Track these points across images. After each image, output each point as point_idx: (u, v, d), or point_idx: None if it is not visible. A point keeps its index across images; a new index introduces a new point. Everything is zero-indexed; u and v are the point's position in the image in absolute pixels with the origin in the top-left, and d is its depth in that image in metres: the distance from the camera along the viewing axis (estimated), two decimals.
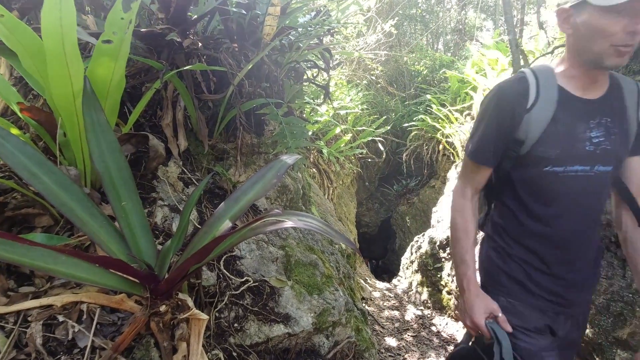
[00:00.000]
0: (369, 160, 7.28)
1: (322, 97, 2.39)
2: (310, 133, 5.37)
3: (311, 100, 2.84)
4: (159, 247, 1.27)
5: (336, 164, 5.48)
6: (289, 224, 0.89)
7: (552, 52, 3.41)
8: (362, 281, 4.98)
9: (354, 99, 6.53)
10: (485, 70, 5.51)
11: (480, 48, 6.70)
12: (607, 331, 2.41)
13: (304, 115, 4.88)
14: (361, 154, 6.29)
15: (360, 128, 6.30)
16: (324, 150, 5.15)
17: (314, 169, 5.32)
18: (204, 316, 1.21)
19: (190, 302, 1.22)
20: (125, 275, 1.05)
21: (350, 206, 6.48)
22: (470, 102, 5.87)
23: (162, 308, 1.10)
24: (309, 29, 1.83)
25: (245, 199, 1.23)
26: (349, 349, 1.88)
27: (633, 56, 2.77)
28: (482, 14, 10.06)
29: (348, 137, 5.69)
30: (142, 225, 1.10)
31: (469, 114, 5.81)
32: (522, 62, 3.69)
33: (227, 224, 1.18)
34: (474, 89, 5.74)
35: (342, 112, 6.01)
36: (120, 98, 1.28)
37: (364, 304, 4.47)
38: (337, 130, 5.47)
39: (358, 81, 7.31)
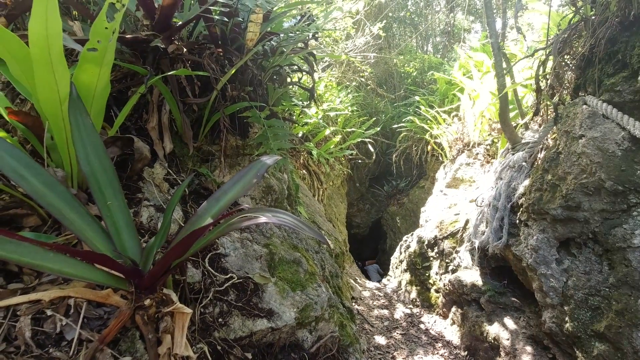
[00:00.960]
0: (359, 161, 7.37)
1: (309, 99, 2.44)
2: (300, 135, 5.43)
3: (300, 103, 2.90)
4: (145, 245, 1.32)
5: (326, 165, 5.55)
6: (262, 219, 0.95)
7: (532, 55, 3.51)
8: (352, 281, 5.05)
9: (343, 101, 6.60)
10: (471, 72, 5.63)
11: (468, 50, 6.82)
12: (586, 324, 2.50)
13: (294, 118, 4.95)
14: (351, 155, 6.37)
15: (350, 129, 6.38)
16: (314, 152, 5.21)
17: (304, 171, 5.37)
18: (188, 310, 1.27)
19: (174, 297, 1.27)
20: (111, 271, 1.11)
21: (340, 207, 6.55)
22: (458, 103, 5.97)
23: (147, 302, 1.16)
24: (290, 34, 1.89)
25: (226, 198, 1.29)
26: (333, 343, 1.95)
27: (607, 59, 2.87)
28: (471, 16, 10.21)
29: (338, 138, 5.76)
30: (127, 224, 1.16)
31: (456, 115, 5.91)
32: (504, 65, 3.79)
33: (208, 222, 1.24)
34: (461, 90, 5.85)
35: (332, 114, 6.08)
36: (106, 102, 1.33)
37: (353, 303, 4.54)
38: (327, 131, 5.53)
39: (348, 83, 7.40)
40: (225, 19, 1.67)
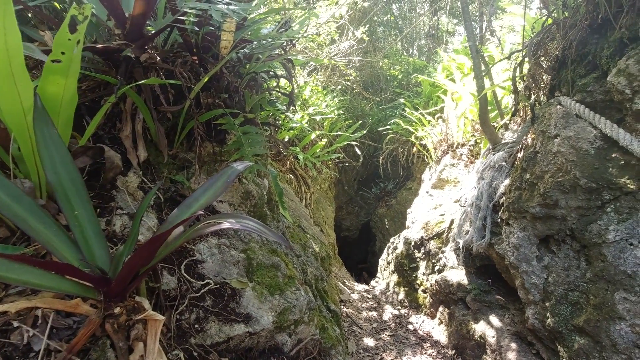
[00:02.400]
0: (347, 164, 7.40)
1: (289, 104, 2.47)
2: (286, 139, 5.45)
3: (283, 108, 2.93)
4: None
5: (313, 169, 5.57)
6: (226, 225, 0.97)
7: (509, 57, 3.59)
8: (340, 284, 5.06)
9: (329, 105, 6.64)
10: (454, 74, 5.71)
11: (450, 53, 6.92)
12: (566, 319, 2.54)
13: (279, 122, 4.97)
14: (338, 158, 6.40)
15: (336, 133, 6.41)
16: (300, 156, 5.23)
17: (290, 175, 5.39)
18: (160, 317, 1.28)
19: (146, 304, 1.28)
20: (79, 280, 1.11)
21: (328, 210, 6.58)
22: (442, 105, 6.05)
23: (117, 310, 1.17)
24: (263, 42, 1.92)
25: (197, 204, 1.31)
26: (313, 346, 1.96)
27: (578, 60, 2.94)
28: (454, 19, 10.36)
29: (324, 142, 5.79)
30: (96, 233, 1.16)
31: (440, 117, 5.99)
32: (482, 67, 3.87)
33: (179, 229, 1.25)
34: (445, 92, 5.93)
35: (318, 118, 6.11)
36: (79, 112, 1.34)
37: (342, 306, 4.55)
38: (313, 135, 5.56)
39: (334, 87, 7.45)
40: (196, 28, 1.69)
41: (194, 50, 1.90)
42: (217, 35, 1.91)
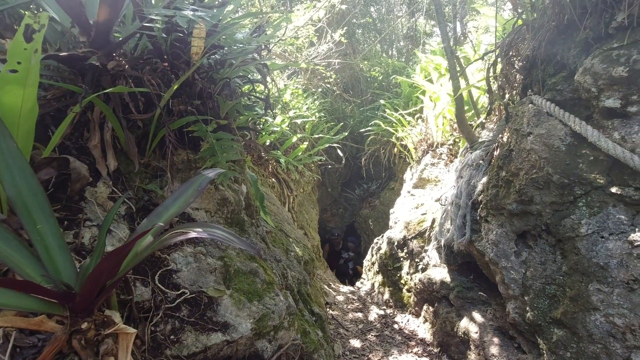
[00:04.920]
0: (330, 166, 7.42)
1: (265, 108, 2.46)
2: (267, 143, 5.43)
3: (262, 112, 2.92)
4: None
5: (295, 172, 5.56)
6: (192, 234, 0.96)
7: (482, 58, 3.66)
8: (325, 286, 5.06)
9: (310, 108, 6.64)
10: (431, 75, 5.79)
11: (428, 54, 7.01)
12: (545, 312, 2.59)
13: (259, 127, 4.94)
14: (320, 161, 6.41)
15: (318, 135, 6.42)
16: (282, 160, 5.22)
17: (273, 179, 5.37)
18: (132, 330, 1.25)
19: (117, 317, 1.25)
20: (42, 297, 1.07)
21: (312, 213, 6.57)
22: (421, 105, 6.12)
23: (84, 325, 1.13)
24: (234, 47, 1.91)
25: (167, 213, 1.28)
26: (295, 351, 1.95)
27: (548, 60, 3.02)
28: (431, 20, 10.52)
29: (306, 145, 5.79)
30: (60, 246, 1.13)
31: (420, 117, 6.06)
32: (458, 68, 3.93)
33: (149, 239, 1.23)
34: (423, 93, 6.00)
35: (299, 121, 6.11)
36: (38, 123, 1.30)
37: (327, 309, 4.55)
38: (294, 139, 5.55)
39: (314, 90, 7.46)
40: (164, 35, 1.67)
41: (165, 57, 1.88)
42: (187, 42, 1.89)
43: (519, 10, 3.05)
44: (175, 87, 1.64)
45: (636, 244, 2.13)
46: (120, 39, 1.71)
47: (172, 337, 1.51)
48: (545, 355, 2.53)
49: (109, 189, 1.61)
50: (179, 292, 1.60)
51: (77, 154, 1.58)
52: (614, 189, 2.23)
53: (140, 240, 1.22)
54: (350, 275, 7.20)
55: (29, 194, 1.10)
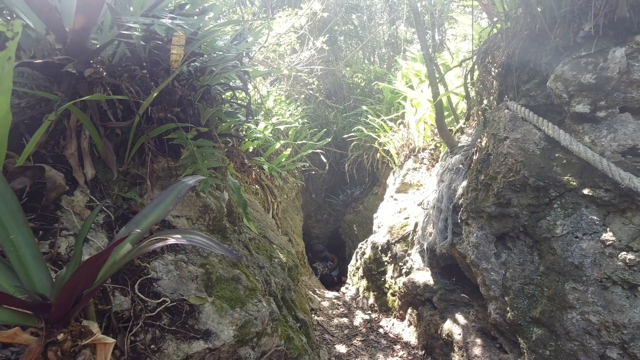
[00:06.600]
0: (314, 172, 7.44)
1: (247, 115, 2.46)
2: (250, 149, 5.41)
3: (244, 119, 2.92)
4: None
5: (279, 178, 5.55)
6: (171, 241, 0.96)
7: (460, 65, 3.76)
8: (310, 292, 5.05)
9: (293, 114, 6.67)
10: (412, 81, 5.90)
11: (409, 60, 7.14)
12: (524, 312, 2.64)
13: (242, 133, 4.93)
14: (304, 167, 6.42)
15: (301, 142, 6.43)
16: (265, 166, 5.21)
17: (256, 186, 5.35)
18: (110, 340, 1.23)
19: (94, 328, 1.23)
20: (16, 308, 1.05)
21: (296, 219, 6.56)
22: (403, 111, 6.22)
23: (60, 336, 1.11)
24: (214, 55, 1.91)
25: (146, 221, 1.27)
26: (279, 357, 1.94)
27: (522, 67, 3.11)
28: (412, 28, 10.71)
29: (289, 151, 5.80)
30: (35, 257, 1.11)
31: (401, 122, 6.15)
32: (437, 74, 4.02)
33: (127, 247, 1.22)
34: (405, 98, 6.10)
35: (282, 127, 6.12)
36: (17, 131, 1.28)
37: (313, 315, 4.54)
38: (278, 145, 5.55)
39: (297, 96, 7.49)
40: (142, 42, 1.66)
41: (144, 64, 1.87)
42: (167, 49, 1.89)
43: (494, 19, 3.15)
44: (155, 94, 1.63)
45: (608, 243, 2.21)
46: (98, 46, 1.70)
47: (152, 346, 1.49)
48: (525, 354, 2.58)
49: (86, 197, 1.58)
50: (160, 301, 1.58)
51: (53, 162, 1.55)
52: (586, 191, 2.31)
53: (118, 248, 1.21)
54: (335, 282, 7.21)
55: (1, 204, 1.08)
